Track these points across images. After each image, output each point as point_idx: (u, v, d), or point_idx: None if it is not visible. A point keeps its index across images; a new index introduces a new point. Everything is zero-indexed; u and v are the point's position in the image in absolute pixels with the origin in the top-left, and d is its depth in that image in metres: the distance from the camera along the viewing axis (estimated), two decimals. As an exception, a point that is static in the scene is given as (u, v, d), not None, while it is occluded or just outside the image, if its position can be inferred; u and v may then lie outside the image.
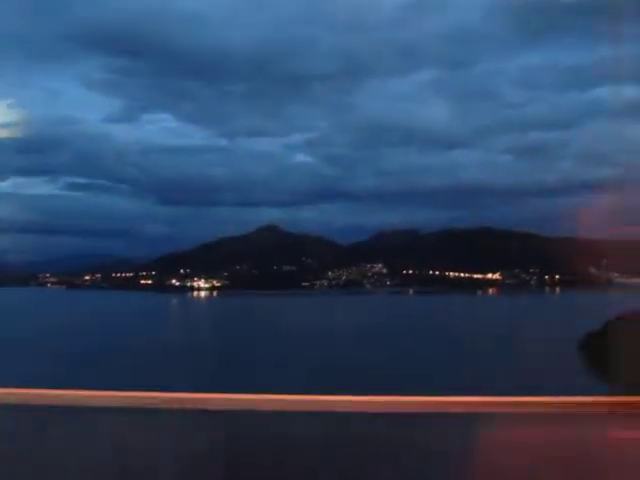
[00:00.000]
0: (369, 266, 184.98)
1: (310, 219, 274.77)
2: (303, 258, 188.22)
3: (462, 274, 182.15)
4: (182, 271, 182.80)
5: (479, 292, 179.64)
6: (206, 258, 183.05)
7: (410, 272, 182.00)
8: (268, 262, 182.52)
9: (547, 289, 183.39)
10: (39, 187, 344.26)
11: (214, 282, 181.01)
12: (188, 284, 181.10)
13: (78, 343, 79.42)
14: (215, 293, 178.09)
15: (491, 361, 65.49)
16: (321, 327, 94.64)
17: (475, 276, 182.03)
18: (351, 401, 3.36)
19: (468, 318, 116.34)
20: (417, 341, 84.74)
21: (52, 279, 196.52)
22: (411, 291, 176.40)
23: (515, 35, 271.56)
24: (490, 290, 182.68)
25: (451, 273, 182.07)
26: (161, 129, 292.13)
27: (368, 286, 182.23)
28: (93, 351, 73.24)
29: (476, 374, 56.20)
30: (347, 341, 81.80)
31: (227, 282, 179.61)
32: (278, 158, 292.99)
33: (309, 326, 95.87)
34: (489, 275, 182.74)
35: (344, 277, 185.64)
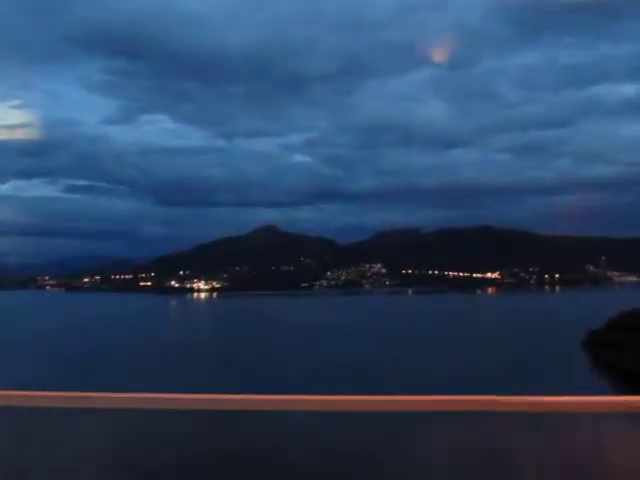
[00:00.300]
0: (368, 266, 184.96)
1: (309, 219, 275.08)
2: (302, 258, 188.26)
3: (461, 273, 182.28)
4: (181, 272, 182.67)
5: (478, 291, 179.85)
6: (205, 259, 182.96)
7: (409, 272, 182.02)
8: (267, 262, 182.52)
9: (547, 288, 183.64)
10: (39, 189, 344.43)
11: (214, 283, 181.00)
12: (187, 285, 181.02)
13: (76, 346, 79.49)
14: (215, 294, 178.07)
15: (491, 360, 65.46)
16: (318, 327, 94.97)
17: (474, 275, 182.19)
18: (351, 401, 3.32)
19: (467, 318, 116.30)
20: (412, 342, 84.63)
21: (51, 282, 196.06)
22: (410, 291, 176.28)
23: (514, 34, 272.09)
24: (490, 289, 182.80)
25: (450, 272, 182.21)
26: (159, 130, 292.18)
27: (367, 286, 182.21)
28: (91, 354, 73.29)
29: (475, 374, 56.17)
30: (344, 341, 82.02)
31: (226, 283, 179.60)
32: (276, 158, 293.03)
33: (307, 327, 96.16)
34: (488, 274, 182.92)
35: (343, 277, 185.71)
